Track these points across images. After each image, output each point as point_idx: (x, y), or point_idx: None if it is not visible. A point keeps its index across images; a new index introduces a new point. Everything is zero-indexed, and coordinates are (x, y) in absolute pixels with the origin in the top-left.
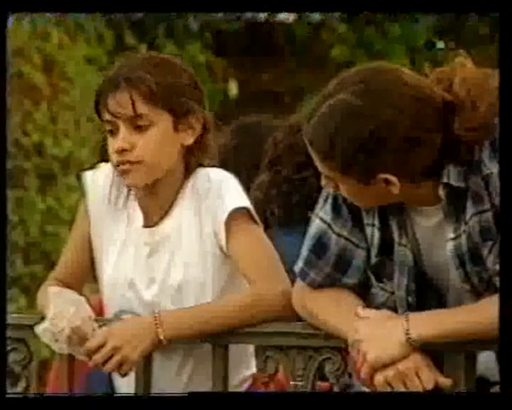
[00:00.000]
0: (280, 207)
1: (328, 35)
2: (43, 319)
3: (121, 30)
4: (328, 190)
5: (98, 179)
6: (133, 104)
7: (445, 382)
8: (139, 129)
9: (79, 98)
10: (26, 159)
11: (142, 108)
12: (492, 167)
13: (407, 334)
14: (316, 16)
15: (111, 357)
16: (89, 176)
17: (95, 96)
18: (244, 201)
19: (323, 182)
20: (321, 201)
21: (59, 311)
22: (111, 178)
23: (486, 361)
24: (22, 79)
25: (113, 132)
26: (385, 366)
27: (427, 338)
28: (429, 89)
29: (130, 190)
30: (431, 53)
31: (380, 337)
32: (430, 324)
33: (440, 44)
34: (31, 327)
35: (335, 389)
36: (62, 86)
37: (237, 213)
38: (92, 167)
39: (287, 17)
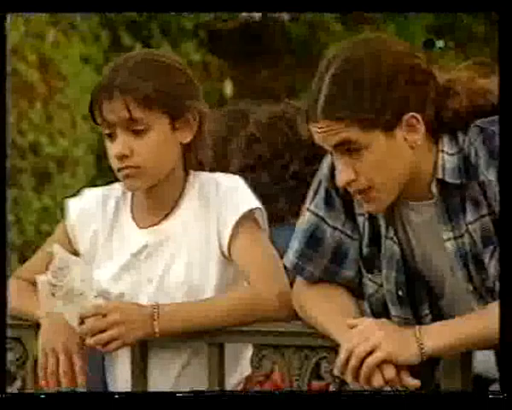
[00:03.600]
0: (287, 204)
1: (323, 34)
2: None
3: (116, 29)
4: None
5: (84, 206)
6: (129, 111)
7: (412, 383)
8: (137, 133)
9: (75, 97)
10: (21, 158)
11: (138, 113)
12: (490, 175)
13: (420, 345)
14: (310, 16)
15: (105, 330)
16: (72, 204)
17: (89, 102)
18: (251, 203)
19: (343, 175)
20: (311, 193)
21: (64, 266)
22: (98, 200)
23: (483, 360)
24: (17, 78)
25: (112, 136)
26: (394, 364)
27: (440, 350)
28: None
29: (118, 202)
30: (429, 52)
31: (395, 338)
32: (442, 335)
33: (440, 43)
34: (26, 327)
35: (331, 388)
36: (58, 85)
37: (243, 218)
38: (76, 194)
39: (282, 16)
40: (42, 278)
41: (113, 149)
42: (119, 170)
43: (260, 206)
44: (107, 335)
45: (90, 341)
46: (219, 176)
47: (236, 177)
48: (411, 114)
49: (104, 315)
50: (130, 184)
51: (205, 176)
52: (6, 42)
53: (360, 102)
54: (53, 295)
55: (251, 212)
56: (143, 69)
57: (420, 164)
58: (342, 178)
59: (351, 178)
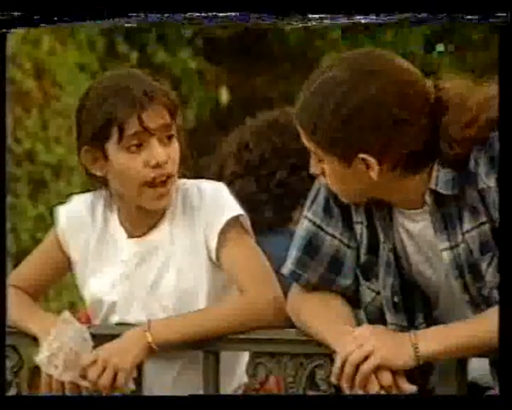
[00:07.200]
0: (272, 212)
1: (320, 41)
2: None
3: (113, 36)
4: (319, 180)
5: (74, 212)
6: (170, 114)
7: (409, 388)
8: (169, 140)
9: (71, 105)
10: (17, 166)
11: (169, 119)
12: (489, 182)
13: (415, 349)
14: (309, 23)
15: (104, 373)
16: (63, 210)
17: (111, 116)
18: (236, 209)
19: (313, 167)
20: (309, 201)
21: (56, 335)
22: (87, 206)
23: (477, 367)
24: (13, 86)
25: (141, 146)
26: (389, 370)
27: (436, 354)
28: (421, 78)
29: (106, 209)
30: (427, 58)
31: (389, 344)
32: (438, 339)
33: (440, 48)
34: (21, 335)
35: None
36: (54, 93)
37: (229, 224)
38: (65, 201)
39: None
40: (39, 357)
41: (146, 157)
42: (153, 180)
43: (240, 213)
44: (106, 376)
45: (100, 388)
46: (202, 182)
47: (219, 183)
48: (363, 156)
49: (95, 361)
50: (165, 199)
51: (188, 183)
52: (5, 49)
53: (319, 126)
54: (56, 367)
55: (237, 217)
56: (161, 82)
57: (397, 182)
58: (311, 169)
59: (317, 172)
